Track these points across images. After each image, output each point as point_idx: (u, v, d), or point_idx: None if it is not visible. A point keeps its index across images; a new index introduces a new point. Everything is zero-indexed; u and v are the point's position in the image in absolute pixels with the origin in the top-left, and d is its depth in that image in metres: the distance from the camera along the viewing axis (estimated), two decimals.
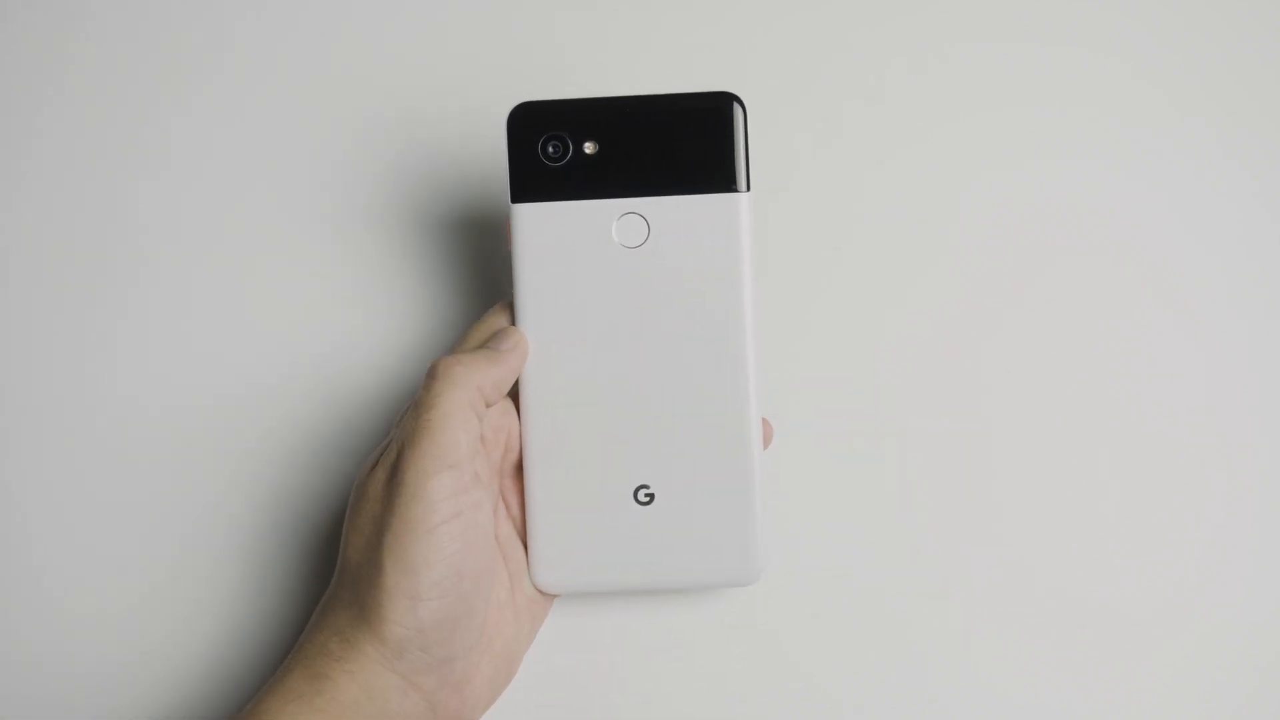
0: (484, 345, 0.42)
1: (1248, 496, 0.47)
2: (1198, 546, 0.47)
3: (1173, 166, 0.49)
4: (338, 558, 0.42)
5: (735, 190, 0.42)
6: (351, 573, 0.40)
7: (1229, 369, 0.48)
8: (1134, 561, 0.47)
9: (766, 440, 0.44)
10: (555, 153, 0.42)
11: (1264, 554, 0.47)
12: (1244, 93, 0.50)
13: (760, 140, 0.48)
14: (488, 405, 0.41)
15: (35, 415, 0.48)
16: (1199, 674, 0.46)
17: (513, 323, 0.43)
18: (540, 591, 0.43)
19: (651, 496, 0.42)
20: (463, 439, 0.40)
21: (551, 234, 0.42)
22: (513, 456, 0.43)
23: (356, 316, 0.48)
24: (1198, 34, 0.50)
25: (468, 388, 0.40)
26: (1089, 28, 0.50)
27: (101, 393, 0.48)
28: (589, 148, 0.42)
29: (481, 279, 0.48)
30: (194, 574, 0.47)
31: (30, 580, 0.47)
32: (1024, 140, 0.49)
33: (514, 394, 0.43)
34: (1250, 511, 0.47)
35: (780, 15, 0.50)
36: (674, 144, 0.42)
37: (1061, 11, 0.50)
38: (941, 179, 0.49)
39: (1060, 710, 0.46)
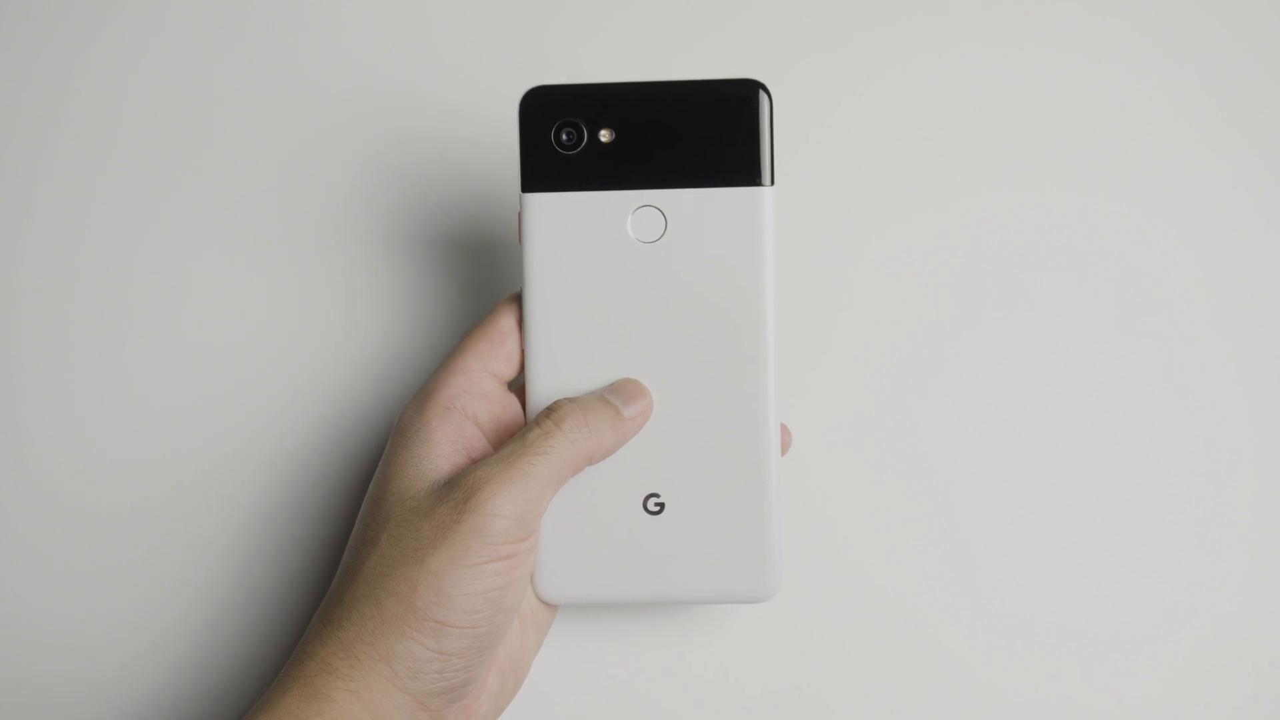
0: (609, 394, 0.40)
1: (1243, 501, 0.47)
2: (1195, 551, 0.47)
3: (1173, 170, 0.48)
4: (343, 565, 0.40)
5: (759, 184, 0.40)
6: (368, 583, 0.38)
7: (1227, 374, 0.47)
8: (1137, 571, 0.46)
9: (785, 447, 0.42)
10: (569, 140, 0.40)
11: (1257, 559, 0.46)
12: (1235, 98, 0.48)
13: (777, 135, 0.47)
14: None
15: (40, 420, 0.47)
16: (1195, 679, 0.46)
17: (520, 317, 0.41)
18: (543, 602, 0.41)
19: (662, 506, 0.40)
20: (549, 498, 0.38)
21: (563, 225, 0.40)
22: None
23: (356, 322, 0.47)
24: (1198, 38, 0.49)
25: (577, 457, 0.39)
26: (1089, 32, 0.49)
27: (108, 398, 0.47)
28: (605, 136, 0.40)
29: (491, 277, 0.47)
30: (183, 587, 0.46)
31: (20, 587, 0.46)
32: (1030, 144, 0.48)
33: (520, 394, 0.41)
34: (1245, 518, 0.47)
35: (787, 10, 0.49)
36: (695, 134, 0.40)
37: (1061, 16, 0.49)
38: (967, 180, 0.48)
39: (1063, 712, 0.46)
